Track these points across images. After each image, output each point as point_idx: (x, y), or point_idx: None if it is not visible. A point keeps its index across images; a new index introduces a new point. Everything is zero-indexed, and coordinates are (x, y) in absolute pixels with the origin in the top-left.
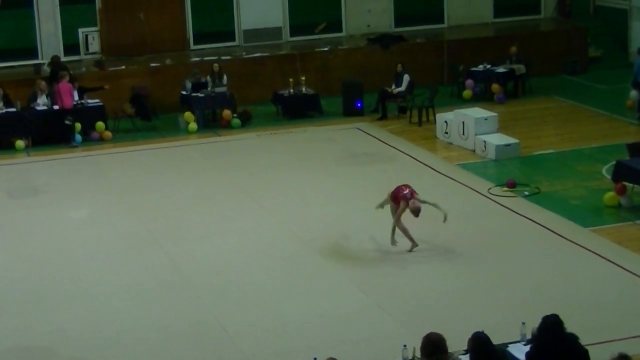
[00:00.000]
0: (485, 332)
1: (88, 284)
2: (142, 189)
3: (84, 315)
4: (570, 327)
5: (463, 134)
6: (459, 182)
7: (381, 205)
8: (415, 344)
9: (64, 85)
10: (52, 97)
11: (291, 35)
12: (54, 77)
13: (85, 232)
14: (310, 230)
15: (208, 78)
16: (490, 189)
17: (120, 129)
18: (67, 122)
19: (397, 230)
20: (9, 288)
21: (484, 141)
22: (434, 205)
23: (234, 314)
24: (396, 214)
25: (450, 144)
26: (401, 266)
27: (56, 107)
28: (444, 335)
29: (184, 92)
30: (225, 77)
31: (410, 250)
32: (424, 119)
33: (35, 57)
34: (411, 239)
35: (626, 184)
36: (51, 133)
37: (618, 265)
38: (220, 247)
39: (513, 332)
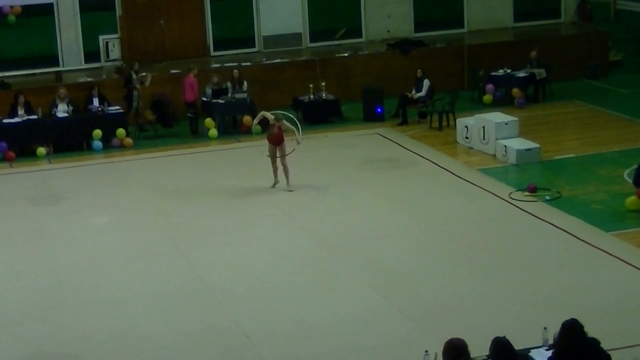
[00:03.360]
0: (506, 336)
1: (110, 291)
2: (163, 196)
3: (107, 322)
4: (591, 331)
5: (484, 138)
6: (480, 187)
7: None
8: (436, 350)
9: (189, 79)
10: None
11: (311, 41)
12: (127, 82)
13: (107, 239)
14: (332, 236)
15: (228, 84)
16: (511, 193)
17: (141, 135)
18: (189, 115)
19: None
20: (33, 295)
21: (505, 146)
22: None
23: (255, 319)
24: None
25: (471, 148)
26: (422, 271)
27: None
28: (465, 340)
29: (204, 99)
30: (245, 83)
31: (273, 187)
32: (444, 124)
33: (56, 64)
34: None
35: None
36: (72, 140)
37: None
38: (241, 253)
39: (534, 337)
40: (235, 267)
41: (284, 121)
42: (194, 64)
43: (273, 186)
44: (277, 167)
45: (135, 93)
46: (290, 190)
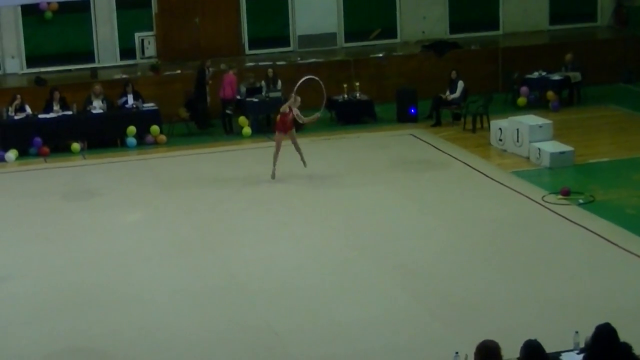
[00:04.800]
0: (537, 340)
1: (141, 288)
2: (195, 193)
3: (138, 319)
4: (624, 336)
5: (517, 141)
6: (513, 190)
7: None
8: (467, 351)
9: (228, 76)
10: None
11: (346, 41)
12: (199, 79)
13: (139, 236)
14: (363, 236)
15: (263, 83)
16: (544, 196)
17: (175, 133)
18: (227, 111)
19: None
20: (65, 290)
21: (539, 149)
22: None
23: (285, 319)
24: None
25: (505, 151)
26: (453, 273)
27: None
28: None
29: (238, 97)
30: (279, 82)
31: (273, 178)
32: (478, 126)
33: (92, 61)
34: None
35: None
36: (106, 136)
37: None
38: (272, 252)
39: (566, 341)
40: (266, 266)
41: (298, 101)
42: (228, 62)
43: (272, 176)
44: (279, 158)
45: (208, 90)
46: (305, 166)
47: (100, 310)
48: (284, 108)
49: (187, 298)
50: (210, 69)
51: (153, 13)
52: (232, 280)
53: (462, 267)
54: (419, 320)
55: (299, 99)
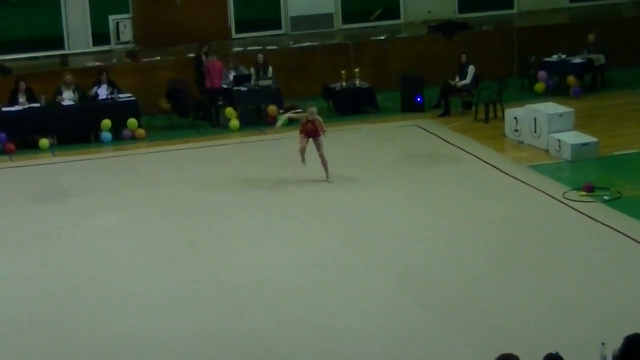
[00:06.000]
0: (559, 353)
1: (121, 298)
2: (179, 193)
3: (118, 331)
4: None
5: (535, 131)
6: (531, 186)
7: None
8: None
9: (216, 63)
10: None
11: (343, 23)
12: (197, 65)
13: (117, 241)
14: (365, 239)
15: (252, 70)
16: (565, 193)
17: (155, 126)
18: (220, 102)
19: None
20: (37, 301)
21: (559, 140)
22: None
23: (281, 331)
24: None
25: (521, 143)
26: (467, 280)
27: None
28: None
29: (224, 86)
30: (270, 69)
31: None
32: (491, 115)
33: (62, 47)
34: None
35: None
36: (79, 131)
37: None
38: (265, 258)
39: (591, 354)
40: (258, 273)
41: (318, 117)
42: (213, 47)
43: (303, 162)
44: (305, 148)
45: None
46: (330, 182)
47: (76, 323)
48: (301, 117)
49: (171, 309)
50: (209, 55)
51: None
52: (221, 288)
53: (474, 272)
54: (430, 332)
55: (314, 109)
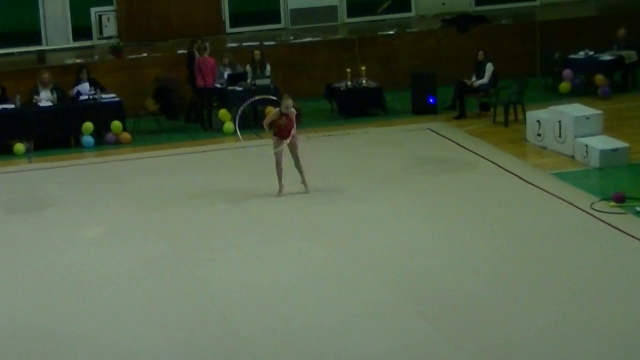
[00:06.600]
0: None
1: (104, 318)
2: (167, 202)
3: (100, 354)
4: None
5: (559, 136)
6: (555, 196)
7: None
8: None
9: (209, 60)
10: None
11: (348, 16)
12: (189, 63)
13: (99, 254)
14: (372, 252)
15: (248, 68)
16: (593, 204)
17: (142, 129)
18: (215, 104)
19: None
20: (12, 322)
21: (586, 145)
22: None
23: (279, 355)
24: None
25: (544, 148)
26: (481, 298)
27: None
28: None
29: (218, 85)
30: (268, 67)
31: (279, 195)
32: (510, 117)
33: (39, 42)
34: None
35: None
36: (57, 135)
37: None
38: (262, 273)
39: None
40: (255, 291)
41: (290, 104)
42: (200, 43)
43: (279, 194)
44: (283, 169)
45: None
46: (308, 192)
47: (55, 345)
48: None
49: (159, 330)
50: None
51: None
52: (212, 308)
53: (493, 290)
54: (442, 355)
55: (290, 102)
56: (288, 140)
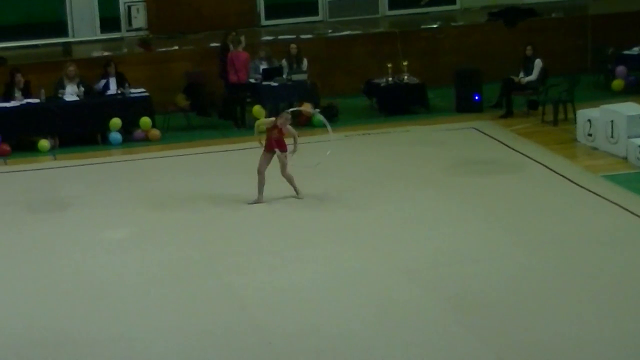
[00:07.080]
0: None
1: (128, 325)
2: (196, 203)
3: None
4: None
5: (612, 136)
6: (606, 199)
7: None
8: None
9: (242, 55)
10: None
11: (390, 8)
12: (222, 56)
13: (124, 258)
14: (412, 258)
15: (283, 62)
16: None
17: (171, 126)
18: (249, 100)
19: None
20: (30, 328)
21: (639, 146)
22: None
23: None
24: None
25: (595, 149)
26: (528, 307)
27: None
28: None
29: (252, 80)
30: (305, 62)
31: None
32: (560, 116)
33: (65, 34)
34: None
35: None
36: (83, 131)
37: None
38: (295, 280)
39: None
40: (287, 297)
41: (289, 119)
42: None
43: (253, 203)
44: (264, 183)
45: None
46: (301, 198)
47: (75, 354)
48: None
49: (186, 338)
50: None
51: None
52: (243, 315)
53: (540, 299)
54: None
55: (289, 116)
56: (277, 152)
